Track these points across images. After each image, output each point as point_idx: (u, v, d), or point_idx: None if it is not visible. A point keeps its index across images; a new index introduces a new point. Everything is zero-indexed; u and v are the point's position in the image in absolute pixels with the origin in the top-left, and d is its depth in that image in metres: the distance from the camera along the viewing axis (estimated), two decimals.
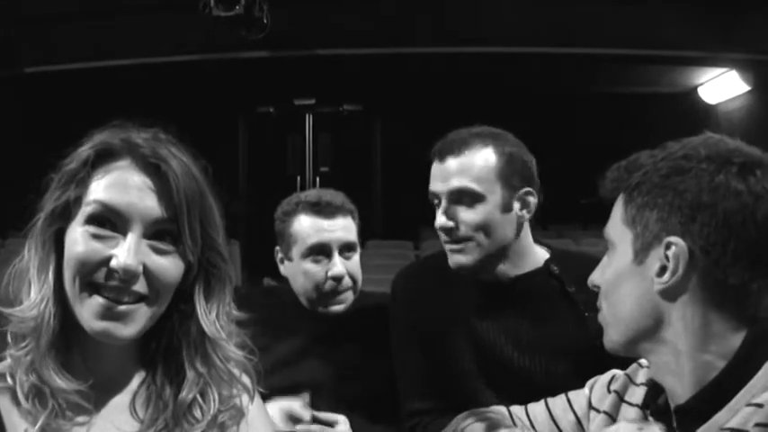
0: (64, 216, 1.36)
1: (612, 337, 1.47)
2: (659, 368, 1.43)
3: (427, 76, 11.16)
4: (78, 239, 1.33)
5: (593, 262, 1.55)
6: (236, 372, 1.49)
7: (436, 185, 2.28)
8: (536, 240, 2.39)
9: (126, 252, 1.32)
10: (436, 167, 2.28)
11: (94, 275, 1.33)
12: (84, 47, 9.54)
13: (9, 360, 1.35)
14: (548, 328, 2.25)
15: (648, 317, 1.39)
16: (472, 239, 2.24)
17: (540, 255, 2.36)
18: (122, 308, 1.34)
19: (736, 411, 1.29)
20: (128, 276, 1.33)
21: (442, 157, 2.27)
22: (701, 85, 11.68)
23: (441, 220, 2.25)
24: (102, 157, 1.38)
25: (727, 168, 1.33)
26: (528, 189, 2.29)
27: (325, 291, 2.52)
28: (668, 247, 1.34)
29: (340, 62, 10.01)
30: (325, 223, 2.53)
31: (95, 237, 1.33)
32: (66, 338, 1.37)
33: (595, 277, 1.52)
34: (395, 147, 12.55)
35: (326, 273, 2.51)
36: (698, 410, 1.34)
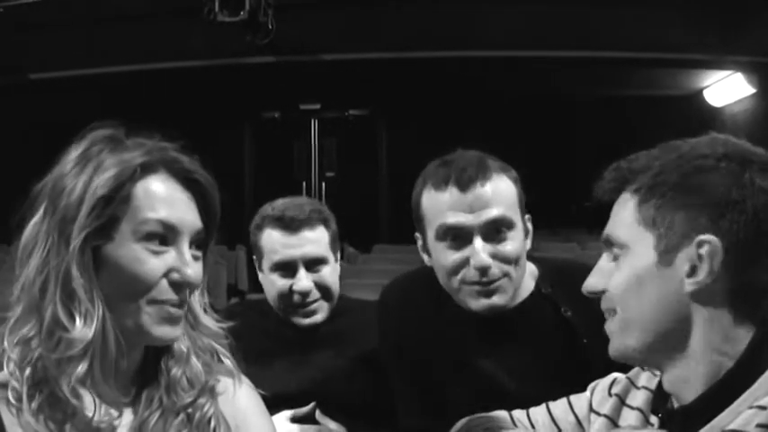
0: (104, 233, 1.37)
1: (629, 342, 1.42)
2: (673, 372, 1.41)
3: (432, 80, 11.16)
4: (139, 258, 1.37)
5: (586, 274, 1.51)
6: (215, 344, 1.56)
7: (462, 218, 2.05)
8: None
9: (190, 266, 1.41)
10: (457, 197, 2.06)
11: (155, 290, 1.38)
12: (89, 53, 9.55)
13: (28, 373, 1.35)
14: (546, 358, 2.14)
15: (674, 319, 1.37)
16: (507, 275, 2.08)
17: (531, 273, 2.22)
18: (180, 313, 1.42)
19: (739, 413, 1.28)
20: (193, 288, 1.44)
21: (465, 185, 2.05)
22: (707, 87, 11.66)
23: (483, 258, 2.03)
24: (141, 172, 1.41)
25: (750, 166, 1.33)
26: (528, 216, 2.19)
27: (291, 303, 2.53)
28: (701, 245, 1.32)
29: (345, 67, 10.01)
30: (289, 239, 2.51)
31: (154, 253, 1.38)
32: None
33: (594, 282, 1.48)
34: (400, 151, 12.55)
35: (291, 287, 2.51)
36: (701, 412, 1.33)
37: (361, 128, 13.44)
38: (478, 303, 2.09)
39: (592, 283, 1.48)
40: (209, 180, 1.47)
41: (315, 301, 2.53)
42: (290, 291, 2.51)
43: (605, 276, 1.46)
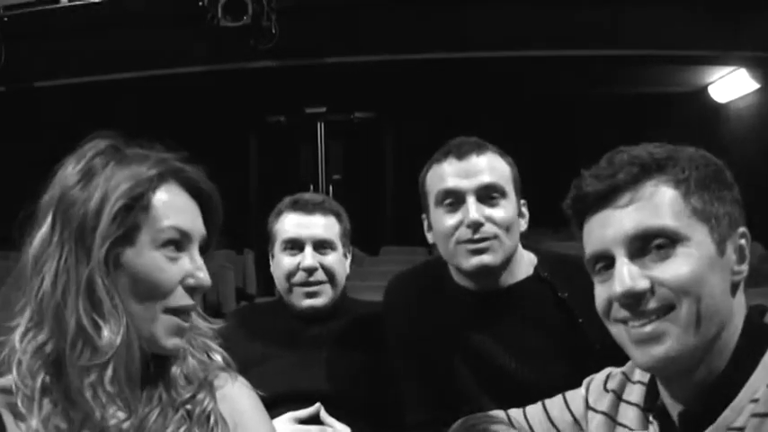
0: (125, 241, 1.39)
1: (690, 341, 1.34)
2: (698, 375, 1.38)
3: (438, 82, 11.17)
4: (159, 265, 1.41)
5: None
6: (209, 343, 1.60)
7: (458, 181, 2.24)
8: (524, 244, 2.38)
9: (204, 272, 1.46)
10: (455, 165, 2.26)
11: (171, 296, 1.42)
12: (93, 60, 9.57)
13: (39, 384, 1.36)
14: (544, 337, 2.23)
15: (728, 310, 1.37)
16: (497, 237, 2.21)
17: (529, 260, 2.35)
18: (188, 325, 1.47)
19: (741, 410, 1.29)
20: (204, 292, 1.49)
21: (462, 155, 2.26)
22: (711, 83, 11.64)
23: (474, 215, 2.19)
24: (157, 182, 1.45)
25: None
26: (524, 201, 2.35)
27: (296, 282, 2.61)
28: (742, 236, 1.41)
29: (350, 70, 10.02)
30: (301, 219, 2.64)
31: (171, 260, 1.43)
32: None
33: (642, 280, 1.37)
34: (406, 153, 12.56)
35: (298, 265, 2.60)
36: (704, 413, 1.33)
37: (366, 130, 13.45)
38: (470, 262, 2.23)
39: (631, 283, 1.37)
40: (213, 188, 1.53)
41: (319, 282, 2.61)
42: (297, 269, 2.60)
43: (646, 272, 1.37)
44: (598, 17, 9.10)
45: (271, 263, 2.73)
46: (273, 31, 8.58)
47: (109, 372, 1.35)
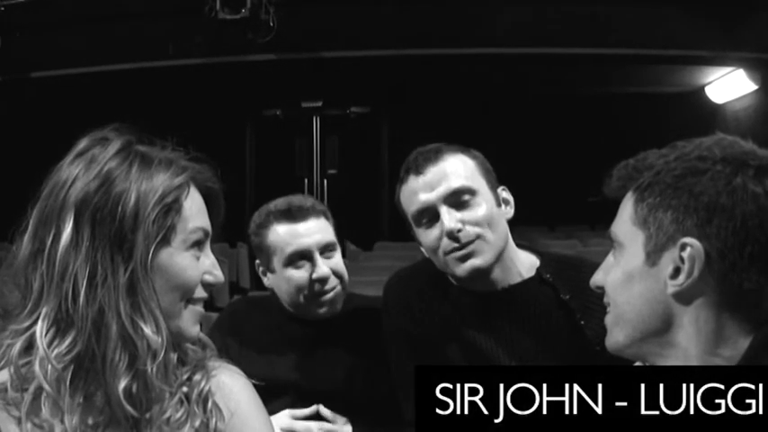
0: (164, 242, 1.42)
1: (618, 338, 1.44)
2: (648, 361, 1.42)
3: (434, 77, 11.17)
4: (188, 264, 1.47)
5: (585, 266, 1.52)
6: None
7: (425, 197, 2.21)
8: (525, 246, 2.35)
9: (218, 269, 1.52)
10: (415, 182, 2.24)
11: (196, 291, 1.48)
12: (91, 51, 9.56)
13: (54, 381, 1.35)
14: (544, 339, 2.21)
15: (659, 319, 1.37)
16: (481, 237, 2.16)
17: (530, 262, 2.31)
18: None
19: None
20: (218, 287, 1.57)
21: (420, 170, 2.23)
22: (708, 84, 11.66)
23: (449, 225, 2.14)
24: (185, 185, 1.49)
25: (744, 171, 1.31)
26: (503, 187, 2.30)
27: (310, 294, 2.50)
28: (683, 248, 1.31)
29: (347, 64, 10.02)
30: (300, 228, 2.51)
31: (197, 259, 1.48)
32: None
33: (599, 278, 1.49)
34: (402, 149, 12.54)
35: (311, 276, 2.48)
36: None
37: (362, 125, 13.45)
38: (461, 269, 2.18)
39: (595, 278, 1.50)
40: (221, 188, 1.57)
41: (333, 289, 2.51)
42: (310, 282, 2.48)
43: (606, 272, 1.47)
44: (594, 15, 9.11)
45: (265, 278, 2.63)
46: (271, 25, 8.58)
47: (149, 372, 1.36)
